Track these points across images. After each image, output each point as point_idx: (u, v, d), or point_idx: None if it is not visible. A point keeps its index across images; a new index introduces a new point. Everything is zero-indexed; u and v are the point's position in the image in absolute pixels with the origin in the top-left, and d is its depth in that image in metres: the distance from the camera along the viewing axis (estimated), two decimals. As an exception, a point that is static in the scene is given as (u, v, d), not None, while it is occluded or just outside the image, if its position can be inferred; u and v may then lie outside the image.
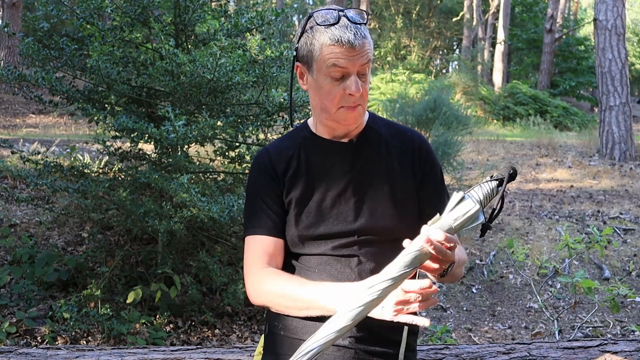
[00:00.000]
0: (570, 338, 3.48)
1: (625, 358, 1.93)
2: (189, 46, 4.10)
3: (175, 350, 2.04)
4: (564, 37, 21.61)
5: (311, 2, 31.75)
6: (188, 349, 2.06)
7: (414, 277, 1.30)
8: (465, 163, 7.74)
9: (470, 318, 4.90)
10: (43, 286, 4.19)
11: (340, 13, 1.41)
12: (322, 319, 1.40)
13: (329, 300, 1.37)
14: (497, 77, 20.38)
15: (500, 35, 20.49)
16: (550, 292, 5.02)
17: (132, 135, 3.89)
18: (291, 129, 1.64)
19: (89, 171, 4.27)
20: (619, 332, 4.57)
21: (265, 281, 1.47)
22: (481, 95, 17.12)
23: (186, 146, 3.96)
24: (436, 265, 1.28)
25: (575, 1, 27.09)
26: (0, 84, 11.28)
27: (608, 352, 1.95)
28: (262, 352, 1.60)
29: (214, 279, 4.07)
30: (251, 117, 4.10)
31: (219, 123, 3.74)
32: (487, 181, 1.28)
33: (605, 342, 2.04)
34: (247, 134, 4.08)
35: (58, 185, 4.06)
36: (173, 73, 3.73)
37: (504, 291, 5.30)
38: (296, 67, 1.51)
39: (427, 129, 7.09)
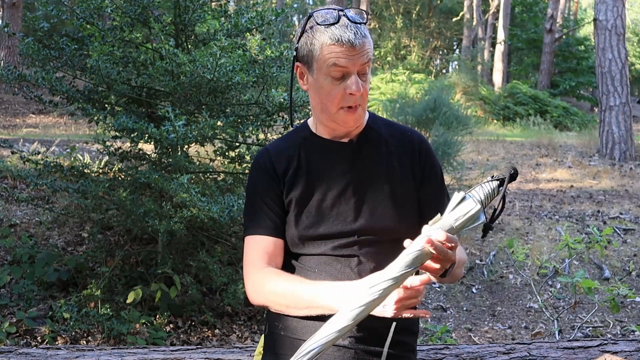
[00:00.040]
0: (570, 338, 3.48)
1: (625, 358, 1.93)
2: (189, 46, 4.10)
3: (175, 350, 2.04)
4: (564, 37, 21.61)
5: (311, 2, 31.74)
6: (188, 349, 2.06)
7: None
8: (465, 163, 7.74)
9: (470, 318, 4.90)
10: (43, 286, 4.19)
11: (340, 13, 1.41)
12: (322, 318, 1.40)
13: (329, 299, 1.37)
14: (497, 77, 20.38)
15: (500, 35, 20.49)
16: (550, 292, 5.02)
17: (132, 135, 3.89)
18: (291, 129, 1.64)
19: (89, 171, 4.26)
20: (619, 332, 4.57)
21: (265, 281, 1.47)
22: (481, 95, 17.12)
23: (186, 146, 3.96)
24: (437, 266, 1.28)
25: (575, 1, 27.09)
26: (0, 84, 11.28)
27: (608, 352, 1.95)
28: (262, 352, 1.60)
29: (214, 279, 4.07)
30: (251, 117, 4.10)
31: (219, 123, 3.74)
32: (488, 181, 1.28)
33: (605, 342, 2.04)
34: (247, 134, 4.08)
35: (58, 185, 4.06)
36: (173, 73, 3.73)
37: (504, 291, 5.30)
38: (296, 67, 1.51)
39: (427, 129, 7.09)
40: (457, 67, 23.70)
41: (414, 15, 24.00)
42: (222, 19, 4.23)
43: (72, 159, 5.45)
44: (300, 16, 28.26)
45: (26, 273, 4.20)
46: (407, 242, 1.28)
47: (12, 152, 4.35)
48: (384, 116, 3.72)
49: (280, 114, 4.04)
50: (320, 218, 1.48)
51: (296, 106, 3.86)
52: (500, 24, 20.66)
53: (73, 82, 4.18)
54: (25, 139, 7.40)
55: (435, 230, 1.24)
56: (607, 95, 10.30)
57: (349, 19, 1.40)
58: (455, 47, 28.30)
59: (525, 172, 9.07)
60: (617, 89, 10.22)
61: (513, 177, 1.27)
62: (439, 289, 5.30)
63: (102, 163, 4.84)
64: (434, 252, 1.23)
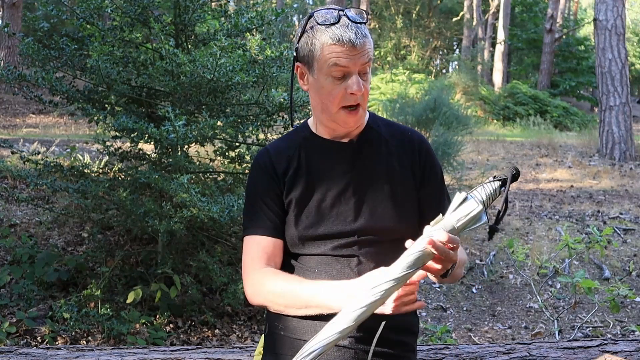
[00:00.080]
0: (570, 338, 3.48)
1: (625, 358, 1.93)
2: (189, 46, 4.10)
3: (175, 350, 2.04)
4: (564, 37, 21.62)
5: (311, 2, 31.75)
6: (188, 349, 2.06)
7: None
8: (465, 163, 7.74)
9: (470, 318, 4.90)
10: (43, 286, 4.18)
11: (341, 12, 1.41)
12: (322, 318, 1.40)
13: (328, 298, 1.38)
14: (497, 77, 20.38)
15: (500, 35, 20.49)
16: (550, 292, 5.02)
17: (132, 135, 3.89)
18: (291, 129, 1.64)
19: (89, 171, 4.26)
20: (619, 332, 4.57)
21: (264, 281, 1.47)
22: (481, 95, 17.12)
23: (186, 146, 3.96)
24: (439, 266, 1.28)
25: (575, 1, 27.09)
26: (0, 84, 11.28)
27: (608, 352, 1.95)
28: (262, 352, 1.60)
29: (214, 279, 4.07)
30: (251, 117, 4.10)
31: (219, 123, 3.74)
32: (489, 181, 1.28)
33: (605, 342, 2.04)
34: (247, 134, 4.08)
35: (58, 185, 4.06)
36: (173, 73, 3.73)
37: (504, 291, 5.30)
38: (296, 67, 1.50)
39: (427, 129, 7.09)
40: (457, 67, 23.71)
41: (414, 15, 24.00)
42: (222, 19, 4.23)
43: (72, 159, 5.45)
44: (300, 16, 28.26)
45: (26, 273, 4.20)
46: (408, 243, 1.28)
47: (12, 152, 4.35)
48: (384, 116, 3.72)
49: (280, 114, 4.04)
50: (320, 218, 1.48)
51: (296, 106, 3.86)
52: (500, 24, 20.66)
53: (73, 82, 4.18)
54: (25, 139, 7.40)
55: (437, 231, 1.24)
56: (607, 95, 10.30)
57: (349, 19, 1.40)
58: (455, 47, 28.30)
59: (525, 172, 9.07)
60: (617, 89, 10.23)
61: (515, 177, 1.27)
62: (439, 289, 5.30)
63: (102, 163, 4.84)
64: (435, 252, 1.23)
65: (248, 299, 1.52)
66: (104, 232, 4.80)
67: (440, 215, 1.27)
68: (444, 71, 26.46)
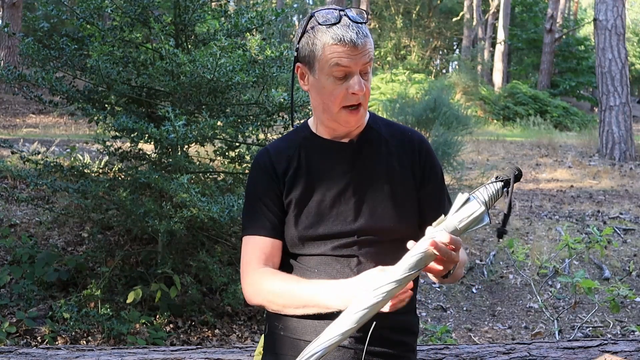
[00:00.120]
0: (570, 338, 3.48)
1: (625, 358, 1.93)
2: (189, 46, 4.10)
3: (175, 350, 2.04)
4: (564, 37, 21.62)
5: (311, 2, 31.75)
6: (188, 349, 2.06)
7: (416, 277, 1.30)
8: (465, 163, 7.74)
9: (470, 318, 4.90)
10: (43, 286, 4.18)
11: (342, 12, 1.41)
12: (321, 317, 1.41)
13: (325, 297, 1.38)
14: (497, 77, 20.38)
15: (500, 35, 20.49)
16: (550, 292, 5.02)
17: (132, 135, 3.89)
18: (291, 129, 1.64)
19: (89, 171, 4.26)
20: (619, 332, 4.57)
21: (262, 281, 1.47)
22: (481, 95, 17.12)
23: (186, 146, 3.96)
24: (440, 267, 1.28)
25: (575, 1, 27.09)
26: (0, 84, 11.28)
27: (608, 352, 1.95)
28: (262, 352, 1.60)
29: (214, 279, 4.07)
30: (251, 117, 4.10)
31: (219, 123, 3.74)
32: (492, 182, 1.27)
33: (605, 342, 2.04)
34: (247, 134, 4.08)
35: (58, 185, 4.06)
36: (173, 73, 3.73)
37: (504, 291, 5.30)
38: (297, 67, 1.50)
39: (427, 129, 7.09)
40: (457, 67, 23.71)
41: (414, 15, 24.00)
42: (222, 19, 4.23)
43: (72, 159, 5.45)
44: (300, 16, 28.26)
45: (26, 273, 4.20)
46: (410, 244, 1.28)
47: (12, 152, 4.35)
48: (384, 116, 3.72)
49: (280, 114, 4.04)
50: (320, 218, 1.48)
51: (296, 106, 3.86)
52: (500, 24, 20.66)
53: (73, 82, 4.18)
54: (25, 139, 7.40)
55: (439, 232, 1.23)
56: (607, 95, 10.30)
57: (350, 19, 1.40)
58: (455, 47, 28.30)
59: (525, 172, 9.07)
60: (617, 89, 10.23)
61: (517, 178, 1.27)
62: (439, 289, 5.30)
63: (102, 163, 4.84)
64: (437, 254, 1.23)
65: (246, 299, 1.52)
66: (104, 232, 4.80)
67: (443, 216, 1.27)
68: (444, 71, 26.46)
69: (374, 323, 1.37)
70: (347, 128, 1.51)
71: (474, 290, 5.31)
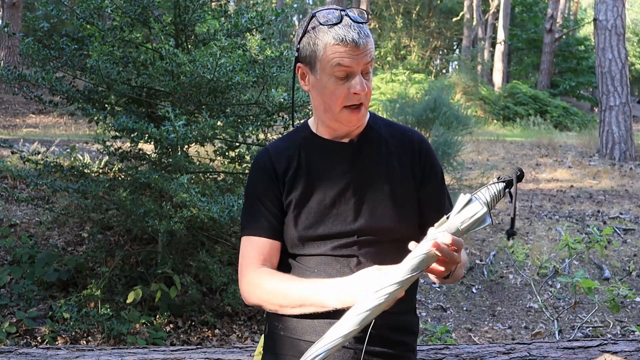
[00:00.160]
0: (570, 338, 3.48)
1: (625, 358, 1.93)
2: (189, 46, 4.10)
3: (175, 350, 2.04)
4: (564, 37, 21.62)
5: (311, 2, 31.75)
6: (188, 349, 2.06)
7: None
8: (465, 163, 7.74)
9: (470, 318, 4.90)
10: (43, 286, 4.19)
11: (343, 13, 1.41)
12: (321, 317, 1.41)
13: (322, 296, 1.38)
14: (497, 77, 20.39)
15: (500, 35, 20.49)
16: (550, 292, 5.02)
17: (132, 135, 3.89)
18: (291, 129, 1.64)
19: (89, 171, 4.26)
20: (619, 332, 4.57)
21: (259, 281, 1.47)
22: (481, 95, 17.12)
23: (186, 146, 3.96)
24: (442, 268, 1.28)
25: (575, 1, 27.09)
26: (0, 84, 11.28)
27: (608, 352, 1.95)
28: (262, 352, 1.60)
29: (214, 279, 4.07)
30: (251, 117, 4.10)
31: (219, 123, 3.74)
32: (493, 183, 1.27)
33: (605, 342, 2.04)
34: (247, 134, 4.08)
35: (58, 185, 4.06)
36: (173, 73, 3.73)
37: (504, 291, 5.30)
38: (297, 67, 1.50)
39: (427, 129, 7.09)
40: (457, 67, 23.71)
41: (414, 15, 24.00)
42: (222, 19, 4.23)
43: (72, 159, 5.45)
44: (300, 16, 28.26)
45: (26, 273, 4.20)
46: (411, 245, 1.28)
47: (12, 152, 4.35)
48: (384, 116, 3.72)
49: (280, 114, 4.04)
50: (320, 218, 1.48)
51: (296, 106, 3.86)
52: (500, 24, 20.66)
53: (73, 82, 4.18)
54: (25, 139, 7.40)
55: (441, 234, 1.23)
56: (607, 95, 10.30)
57: (351, 19, 1.40)
58: (455, 47, 28.30)
59: (525, 172, 9.05)
60: (617, 89, 10.23)
61: (519, 178, 1.27)
62: (439, 289, 5.30)
63: (102, 163, 4.84)
64: (439, 255, 1.23)
65: (244, 299, 1.52)
66: (104, 232, 4.80)
67: (444, 217, 1.27)
68: (444, 71, 26.47)
69: (372, 322, 1.37)
70: (348, 127, 1.51)
71: (474, 290, 5.31)
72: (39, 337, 3.73)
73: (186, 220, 3.76)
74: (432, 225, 1.29)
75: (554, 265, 3.96)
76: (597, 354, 1.94)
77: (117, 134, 4.07)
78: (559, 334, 3.81)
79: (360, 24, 1.40)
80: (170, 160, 3.95)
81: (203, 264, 4.08)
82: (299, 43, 1.46)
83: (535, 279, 5.27)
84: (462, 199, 1.25)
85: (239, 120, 4.01)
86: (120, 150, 4.24)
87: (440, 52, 27.36)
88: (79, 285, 4.23)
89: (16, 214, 5.14)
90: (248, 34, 4.18)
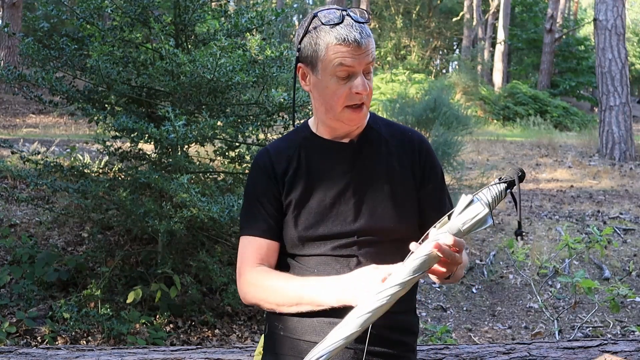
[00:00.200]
0: (570, 338, 3.48)
1: (625, 358, 1.93)
2: (189, 46, 4.10)
3: (175, 350, 2.04)
4: (564, 37, 21.62)
5: (311, 2, 31.75)
6: (188, 349, 2.06)
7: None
8: (465, 163, 7.74)
9: (470, 318, 4.90)
10: (43, 286, 4.19)
11: (344, 12, 1.41)
12: (321, 317, 1.41)
13: (317, 294, 1.39)
14: (497, 77, 20.38)
15: (500, 35, 20.49)
16: (550, 292, 5.02)
17: (132, 135, 3.89)
18: (291, 128, 1.64)
19: (89, 171, 4.26)
20: (619, 332, 4.57)
21: (256, 279, 1.48)
22: (481, 95, 17.12)
23: (186, 146, 3.96)
24: (444, 269, 1.28)
25: (575, 1, 27.09)
26: (0, 84, 11.28)
27: (608, 352, 1.95)
28: (262, 352, 1.60)
29: (214, 279, 4.07)
30: (251, 117, 4.10)
31: (219, 123, 3.74)
32: (495, 183, 1.27)
33: (605, 342, 2.04)
34: (247, 134, 4.08)
35: (58, 185, 4.06)
36: (173, 73, 3.73)
37: (504, 291, 5.30)
38: (298, 67, 1.50)
39: (427, 129, 7.08)
40: (457, 67, 23.71)
41: (414, 15, 24.00)
42: (222, 19, 4.23)
43: (72, 159, 5.45)
44: (300, 16, 28.25)
45: (26, 273, 4.20)
46: (413, 246, 1.27)
47: (12, 152, 4.35)
48: (384, 116, 3.72)
49: (280, 114, 4.04)
50: (320, 218, 1.48)
51: (296, 106, 3.86)
52: (500, 24, 20.66)
53: (73, 82, 4.18)
54: (25, 139, 7.40)
55: (443, 235, 1.23)
56: (607, 95, 10.30)
57: (352, 19, 1.40)
58: (455, 47, 28.30)
59: (526, 172, 9.03)
60: (617, 89, 10.23)
61: (520, 179, 1.27)
62: (439, 289, 5.30)
63: (102, 163, 4.84)
64: (441, 256, 1.23)
65: (242, 298, 1.53)
66: (104, 232, 4.80)
67: (446, 217, 1.27)
68: (444, 71, 26.46)
69: (370, 326, 1.37)
70: (350, 127, 1.51)
71: (474, 290, 5.31)
72: (39, 337, 3.73)
73: (186, 220, 3.76)
74: (433, 225, 1.29)
75: (554, 265, 3.96)
76: (597, 354, 1.94)
77: (117, 134, 4.07)
78: (559, 334, 3.81)
79: (362, 24, 1.40)
80: (170, 160, 3.95)
81: (203, 264, 4.08)
82: (299, 43, 1.46)
83: (535, 279, 5.27)
84: (464, 199, 1.25)
85: (239, 120, 4.01)
86: (120, 150, 4.24)
87: (440, 52, 27.36)
88: (79, 285, 4.23)
89: (16, 214, 5.14)
90: (248, 34, 4.18)
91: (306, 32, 1.44)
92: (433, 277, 1.36)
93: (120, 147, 4.29)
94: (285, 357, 1.49)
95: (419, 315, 4.56)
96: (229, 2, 4.36)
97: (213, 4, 4.39)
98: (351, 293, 1.33)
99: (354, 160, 1.52)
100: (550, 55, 20.61)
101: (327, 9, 1.44)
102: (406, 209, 1.51)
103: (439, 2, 25.69)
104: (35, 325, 3.78)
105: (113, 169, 4.45)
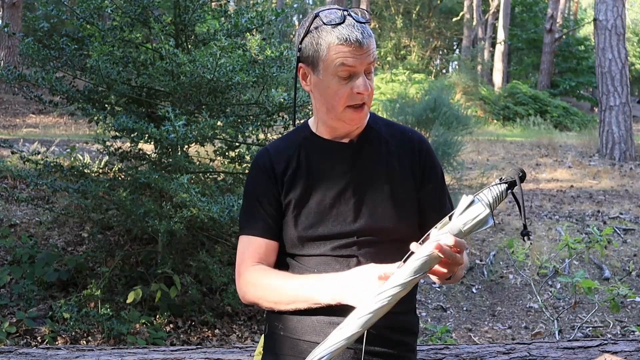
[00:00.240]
0: (570, 338, 3.48)
1: (625, 358, 1.93)
2: (189, 46, 4.10)
3: (175, 350, 2.04)
4: (564, 37, 21.62)
5: (311, 2, 31.75)
6: (188, 349, 2.06)
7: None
8: (465, 163, 7.74)
9: (470, 318, 4.90)
10: (43, 286, 4.19)
11: (345, 13, 1.41)
12: (321, 316, 1.41)
13: (314, 292, 1.39)
14: (497, 77, 20.38)
15: (500, 35, 20.49)
16: (550, 292, 5.02)
17: (132, 135, 3.89)
18: (292, 128, 1.64)
19: (89, 171, 4.26)
20: (619, 332, 4.57)
21: (255, 278, 1.48)
22: (481, 95, 17.12)
23: (186, 146, 3.96)
24: (445, 270, 1.28)
25: (575, 1, 27.09)
26: (0, 84, 11.28)
27: (608, 352, 1.95)
28: (262, 352, 1.60)
29: (214, 279, 4.07)
30: (251, 117, 4.10)
31: (219, 123, 3.74)
32: (496, 184, 1.27)
33: (605, 342, 2.04)
34: (247, 134, 4.08)
35: (58, 185, 4.06)
36: (173, 73, 3.73)
37: (504, 291, 5.30)
38: (299, 67, 1.50)
39: (427, 129, 7.08)
40: (457, 67, 23.71)
41: (414, 15, 24.00)
42: (222, 19, 4.23)
43: (72, 159, 5.45)
44: (300, 16, 28.25)
45: (26, 273, 4.20)
46: (413, 246, 1.27)
47: (12, 152, 4.35)
48: (384, 116, 3.72)
49: (280, 114, 4.04)
50: (320, 218, 1.48)
51: (296, 106, 3.85)
52: (500, 24, 20.66)
53: (73, 82, 4.18)
54: (25, 139, 7.40)
55: (444, 235, 1.23)
56: (607, 95, 10.30)
57: (354, 19, 1.40)
58: (455, 47, 28.30)
59: (526, 172, 9.05)
60: (617, 89, 10.23)
61: (521, 179, 1.27)
62: (439, 289, 5.30)
63: (102, 163, 4.84)
64: (442, 256, 1.23)
65: (240, 298, 1.53)
66: (104, 232, 4.80)
67: (447, 218, 1.27)
68: (444, 71, 26.46)
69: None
70: (351, 126, 1.50)
71: (474, 290, 5.31)
72: (39, 337, 3.73)
73: (186, 220, 3.76)
74: (433, 225, 1.29)
75: (554, 265, 3.96)
76: (597, 354, 1.94)
77: (117, 134, 4.07)
78: (559, 334, 3.81)
79: (363, 24, 1.40)
80: (170, 160, 3.95)
81: (203, 264, 4.08)
82: (300, 43, 1.46)
83: (535, 279, 5.27)
84: (465, 200, 1.25)
85: (239, 120, 4.01)
86: (120, 150, 4.24)
87: (440, 52, 27.35)
88: (79, 285, 4.23)
89: (16, 214, 5.14)
90: (248, 34, 4.18)
91: (307, 32, 1.44)
92: (433, 278, 1.36)
93: (120, 147, 4.29)
94: (285, 357, 1.49)
95: (419, 315, 4.56)
96: (229, 2, 4.36)
97: (213, 4, 4.39)
98: (347, 291, 1.33)
99: (354, 160, 1.52)
100: (550, 55, 20.61)
101: (329, 9, 1.44)
102: (406, 209, 1.51)
103: (439, 2, 25.69)
104: (35, 325, 3.79)
105: (113, 169, 4.45)
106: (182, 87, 3.76)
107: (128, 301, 3.92)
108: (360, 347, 1.45)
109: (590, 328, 4.58)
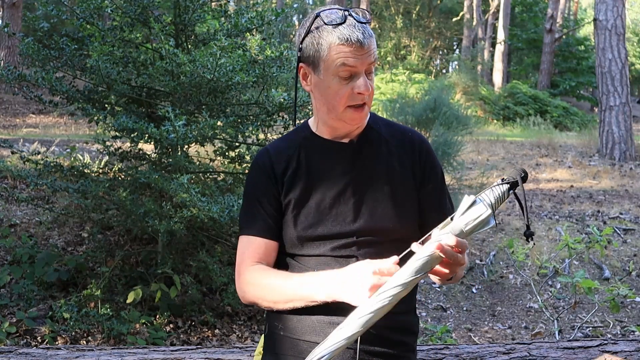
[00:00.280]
0: (570, 338, 3.48)
1: (625, 358, 1.93)
2: (189, 46, 4.10)
3: (175, 350, 2.04)
4: (564, 37, 21.62)
5: (311, 2, 31.74)
6: (188, 349, 2.06)
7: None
8: (465, 163, 7.73)
9: (470, 318, 4.90)
10: (43, 286, 4.19)
11: (346, 13, 1.41)
12: (320, 316, 1.41)
13: (310, 289, 1.39)
14: (497, 77, 20.38)
15: (500, 35, 20.49)
16: (550, 292, 5.02)
17: (132, 135, 3.89)
18: (292, 128, 1.64)
19: (89, 171, 4.26)
20: (619, 332, 4.57)
21: (254, 278, 1.48)
22: (481, 95, 17.12)
23: (186, 146, 3.96)
24: (446, 270, 1.28)
25: (575, 1, 27.09)
26: (0, 84, 11.28)
27: (608, 352, 1.95)
28: (262, 352, 1.60)
29: (214, 279, 4.07)
30: (251, 117, 4.10)
31: (219, 123, 3.74)
32: (497, 184, 1.27)
33: (605, 342, 2.04)
34: (247, 134, 4.08)
35: (58, 185, 4.06)
36: (173, 73, 3.73)
37: (504, 291, 5.30)
38: (299, 67, 1.50)
39: (427, 129, 7.08)
40: (457, 67, 23.71)
41: (414, 15, 23.99)
42: (222, 19, 4.23)
43: (72, 159, 5.45)
44: (300, 16, 28.25)
45: (26, 273, 4.20)
46: (414, 247, 1.27)
47: (12, 152, 4.35)
48: (384, 116, 3.72)
49: (280, 114, 4.04)
50: (320, 218, 1.48)
51: (297, 106, 3.85)
52: (500, 24, 20.66)
53: (73, 82, 4.18)
54: (25, 139, 7.40)
55: (445, 236, 1.23)
56: (607, 95, 10.30)
57: (355, 19, 1.40)
58: (455, 47, 28.29)
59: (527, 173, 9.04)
60: (617, 89, 10.22)
61: (523, 180, 1.27)
62: (439, 289, 5.30)
63: (102, 163, 4.84)
64: (444, 257, 1.23)
65: (240, 298, 1.53)
66: (104, 232, 4.80)
67: (449, 218, 1.27)
68: (444, 71, 26.46)
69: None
70: (352, 126, 1.50)
71: (474, 290, 5.31)
72: (39, 337, 3.73)
73: (186, 220, 3.76)
74: (433, 226, 1.29)
75: (554, 265, 3.96)
76: (597, 354, 1.94)
77: (117, 134, 4.07)
78: (559, 334, 3.81)
79: (364, 24, 1.40)
80: (170, 160, 3.95)
81: (203, 264, 4.08)
82: (301, 43, 1.46)
83: (535, 279, 5.27)
84: (466, 200, 1.25)
85: (239, 120, 4.01)
86: (120, 150, 4.24)
87: (440, 52, 27.35)
88: (79, 285, 4.23)
89: (16, 214, 5.14)
90: (248, 34, 4.18)
91: (308, 32, 1.44)
92: (434, 278, 1.36)
93: (120, 147, 4.29)
94: (285, 357, 1.49)
95: (419, 315, 4.56)
96: (229, 2, 4.36)
97: (213, 4, 4.39)
98: (343, 287, 1.33)
99: (354, 160, 1.52)
100: (550, 55, 20.61)
101: (329, 9, 1.44)
102: (406, 209, 1.51)
103: (439, 2, 25.68)
104: (35, 325, 3.79)
105: (113, 169, 4.45)
106: (182, 87, 3.76)
107: (128, 301, 3.92)
108: (361, 347, 1.45)
109: (590, 328, 4.58)
